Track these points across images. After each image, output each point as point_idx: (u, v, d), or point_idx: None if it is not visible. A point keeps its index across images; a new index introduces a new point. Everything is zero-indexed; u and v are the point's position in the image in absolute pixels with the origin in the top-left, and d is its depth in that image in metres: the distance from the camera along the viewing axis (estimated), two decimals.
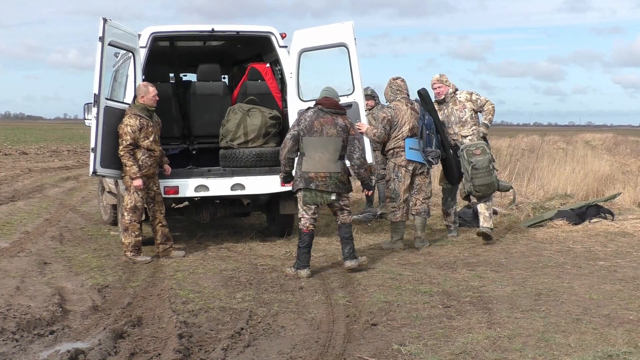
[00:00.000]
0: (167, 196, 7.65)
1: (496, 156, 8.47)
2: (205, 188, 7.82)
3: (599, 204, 10.15)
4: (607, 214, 9.78)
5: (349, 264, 6.77)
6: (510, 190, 8.77)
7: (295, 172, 6.87)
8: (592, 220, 9.55)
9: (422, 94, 8.20)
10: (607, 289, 6.12)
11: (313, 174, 6.72)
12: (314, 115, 6.81)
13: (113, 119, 7.17)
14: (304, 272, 6.62)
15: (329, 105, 6.82)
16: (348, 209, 6.93)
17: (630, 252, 7.81)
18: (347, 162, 6.90)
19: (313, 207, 6.77)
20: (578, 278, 6.55)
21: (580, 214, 9.66)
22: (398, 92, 8.01)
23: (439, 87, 8.31)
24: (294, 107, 7.99)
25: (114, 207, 9.13)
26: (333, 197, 6.77)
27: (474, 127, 8.21)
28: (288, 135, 6.88)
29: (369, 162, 8.08)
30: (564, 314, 5.33)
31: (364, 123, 7.92)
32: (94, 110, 6.95)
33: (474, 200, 8.75)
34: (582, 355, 4.39)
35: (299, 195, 6.80)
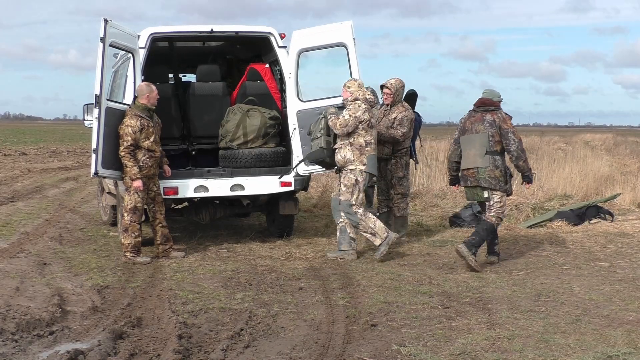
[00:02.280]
0: (166, 197, 7.65)
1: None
2: (205, 189, 7.83)
3: (598, 204, 10.17)
4: (606, 215, 9.79)
5: (461, 247, 6.90)
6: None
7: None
8: (592, 221, 9.56)
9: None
10: (606, 290, 6.12)
11: (465, 171, 7.12)
12: (467, 116, 7.26)
13: (113, 119, 7.16)
14: (491, 258, 7.20)
15: (479, 104, 7.18)
16: (494, 209, 7.03)
17: (629, 253, 7.82)
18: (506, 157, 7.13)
19: (477, 203, 7.18)
20: (578, 279, 6.55)
21: (580, 215, 9.67)
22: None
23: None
24: (293, 108, 7.99)
25: (114, 207, 9.13)
26: (486, 195, 7.02)
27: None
28: (452, 140, 7.43)
29: None
30: (563, 314, 5.33)
31: None
32: (96, 111, 6.94)
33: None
34: (582, 356, 4.39)
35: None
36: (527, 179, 7.20)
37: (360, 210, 7.36)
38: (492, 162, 6.95)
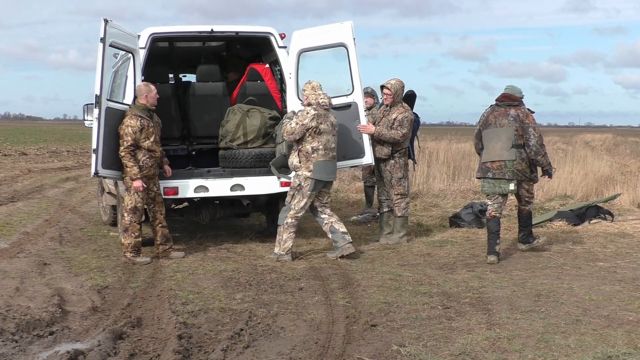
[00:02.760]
0: (166, 197, 7.65)
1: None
2: (205, 189, 7.82)
3: (598, 204, 10.16)
4: (606, 215, 9.79)
5: (521, 247, 7.75)
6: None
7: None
8: (592, 221, 9.55)
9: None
10: (606, 290, 6.12)
11: (489, 164, 7.33)
12: (489, 110, 7.48)
13: (114, 119, 7.16)
14: (491, 258, 7.26)
15: (502, 99, 7.42)
16: (527, 198, 7.54)
17: (629, 253, 7.82)
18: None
19: (496, 196, 7.35)
20: (578, 279, 6.55)
21: (580, 215, 9.66)
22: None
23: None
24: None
25: (114, 207, 9.13)
26: (512, 187, 7.29)
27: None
28: (474, 134, 7.63)
29: (368, 162, 8.12)
30: (563, 314, 5.33)
31: (365, 124, 7.95)
32: (96, 111, 6.94)
33: (475, 200, 8.76)
34: (582, 356, 4.39)
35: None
36: (547, 173, 7.52)
37: (291, 220, 7.38)
38: (518, 155, 7.25)
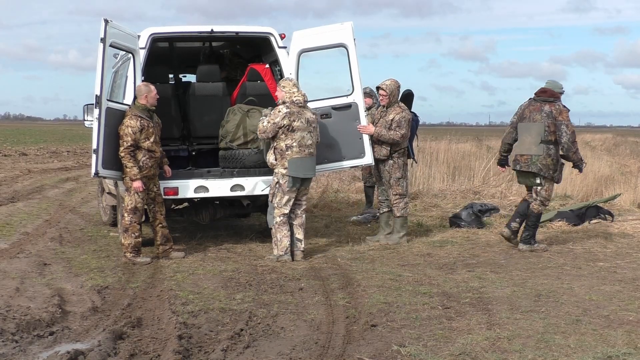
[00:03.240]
0: (166, 197, 7.64)
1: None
2: (205, 189, 7.82)
3: (598, 205, 10.16)
4: (606, 215, 9.79)
5: (522, 246, 7.81)
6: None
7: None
8: (592, 222, 9.55)
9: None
10: (606, 290, 6.12)
11: (519, 157, 7.66)
12: (527, 103, 7.73)
13: (114, 120, 7.16)
14: (503, 230, 7.88)
15: (539, 94, 7.65)
16: (542, 198, 7.69)
17: (630, 253, 7.82)
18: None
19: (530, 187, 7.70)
20: (578, 279, 6.55)
21: (580, 215, 9.66)
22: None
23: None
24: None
25: (114, 208, 9.13)
26: (538, 181, 7.61)
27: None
28: (509, 123, 7.95)
29: (368, 162, 8.12)
30: (563, 315, 5.33)
31: (365, 125, 7.95)
32: (96, 111, 6.94)
33: (475, 201, 8.77)
34: (582, 356, 4.39)
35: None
36: (578, 167, 7.79)
37: (279, 219, 7.41)
38: (545, 151, 7.49)
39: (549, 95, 7.59)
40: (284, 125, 7.30)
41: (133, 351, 4.48)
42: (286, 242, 7.39)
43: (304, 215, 7.61)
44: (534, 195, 7.74)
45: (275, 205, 7.43)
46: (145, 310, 5.50)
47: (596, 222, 9.54)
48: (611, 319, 5.22)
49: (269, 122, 7.35)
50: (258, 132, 7.46)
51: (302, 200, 7.59)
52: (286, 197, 7.41)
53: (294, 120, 7.33)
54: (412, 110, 8.52)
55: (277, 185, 7.41)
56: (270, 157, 7.47)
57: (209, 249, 8.04)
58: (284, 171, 7.36)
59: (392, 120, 8.09)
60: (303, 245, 7.53)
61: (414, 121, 8.49)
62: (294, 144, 7.34)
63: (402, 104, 8.29)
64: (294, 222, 7.54)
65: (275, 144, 7.41)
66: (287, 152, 7.34)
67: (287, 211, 7.44)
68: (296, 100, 7.39)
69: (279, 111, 7.36)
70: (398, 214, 8.30)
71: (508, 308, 5.50)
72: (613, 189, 12.36)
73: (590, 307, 5.57)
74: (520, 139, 7.69)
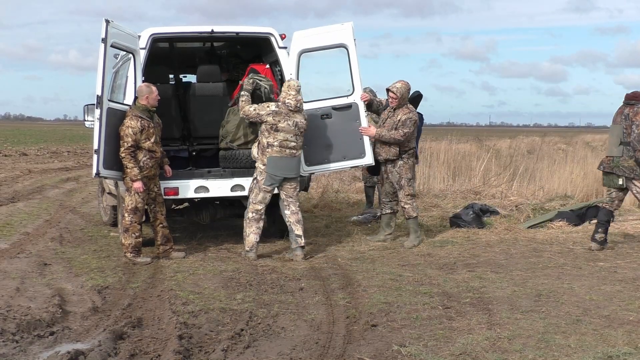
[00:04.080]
0: (167, 197, 7.65)
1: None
2: (205, 189, 7.83)
3: (599, 205, 10.15)
4: None
5: (592, 245, 7.92)
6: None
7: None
8: (592, 222, 9.54)
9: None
10: (607, 290, 6.12)
11: (604, 158, 7.83)
12: (620, 107, 7.78)
13: (114, 120, 7.16)
14: (591, 244, 7.90)
15: (626, 97, 7.74)
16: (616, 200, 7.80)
17: (630, 253, 7.82)
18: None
19: (610, 189, 7.81)
20: (578, 279, 6.56)
21: (581, 215, 9.66)
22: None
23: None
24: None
25: (114, 208, 9.13)
26: (620, 182, 7.65)
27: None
28: None
29: (369, 162, 8.12)
30: (564, 315, 5.33)
31: (365, 126, 7.96)
32: (97, 111, 6.94)
33: (475, 201, 8.76)
34: (582, 356, 4.39)
35: None
36: None
37: (252, 215, 7.48)
38: (625, 152, 7.58)
39: (629, 98, 7.69)
40: (267, 121, 7.40)
41: (133, 351, 4.48)
42: (253, 238, 7.45)
43: (299, 212, 7.63)
44: (613, 194, 7.81)
45: (251, 200, 7.49)
46: (146, 310, 5.50)
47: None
48: (611, 319, 5.22)
49: (255, 110, 7.46)
50: (240, 110, 7.57)
51: (292, 196, 7.60)
52: (261, 194, 7.47)
53: (280, 121, 7.40)
54: (418, 110, 8.50)
55: (255, 181, 7.50)
56: (254, 150, 7.59)
57: (209, 249, 8.04)
58: (262, 167, 7.46)
59: (399, 120, 8.10)
60: (303, 241, 7.54)
61: (419, 121, 8.49)
62: (275, 143, 7.41)
63: (410, 105, 8.28)
64: (290, 220, 7.56)
65: (260, 138, 7.52)
66: (267, 150, 7.43)
67: (260, 207, 7.50)
68: (287, 103, 7.44)
69: (268, 107, 7.47)
70: (414, 214, 8.30)
71: (508, 308, 5.50)
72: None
73: (590, 307, 5.57)
74: (608, 141, 7.97)
